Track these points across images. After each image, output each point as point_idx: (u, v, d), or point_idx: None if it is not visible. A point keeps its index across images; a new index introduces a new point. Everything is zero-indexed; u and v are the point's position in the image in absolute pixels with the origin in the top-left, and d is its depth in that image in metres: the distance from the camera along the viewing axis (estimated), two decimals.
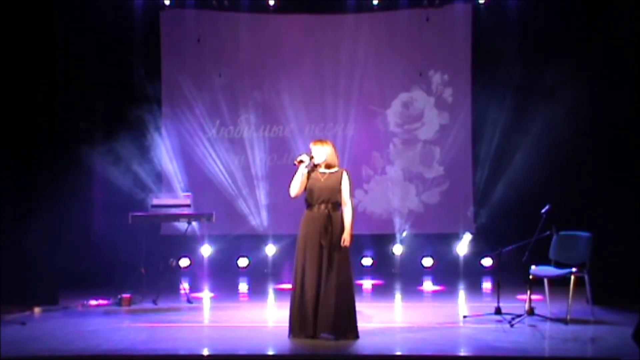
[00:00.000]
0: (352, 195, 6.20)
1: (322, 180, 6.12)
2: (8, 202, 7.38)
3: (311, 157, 6.15)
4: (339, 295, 5.95)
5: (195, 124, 10.05)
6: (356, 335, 6.00)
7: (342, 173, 6.17)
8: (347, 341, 5.90)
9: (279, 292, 8.71)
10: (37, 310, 7.40)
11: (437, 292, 8.88)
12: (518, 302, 7.07)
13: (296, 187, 6.11)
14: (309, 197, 6.12)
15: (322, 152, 6.16)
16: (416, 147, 10.18)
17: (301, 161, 6.11)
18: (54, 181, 7.76)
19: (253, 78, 10.13)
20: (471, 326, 6.64)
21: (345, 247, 6.03)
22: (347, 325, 6.00)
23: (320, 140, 6.29)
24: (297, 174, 6.11)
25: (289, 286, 7.88)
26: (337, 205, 6.11)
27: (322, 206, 6.06)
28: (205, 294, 8.58)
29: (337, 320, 5.93)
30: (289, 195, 6.16)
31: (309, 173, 6.18)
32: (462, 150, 10.09)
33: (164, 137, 9.96)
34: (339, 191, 6.12)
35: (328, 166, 6.19)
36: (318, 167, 6.18)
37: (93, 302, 7.79)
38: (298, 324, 6.02)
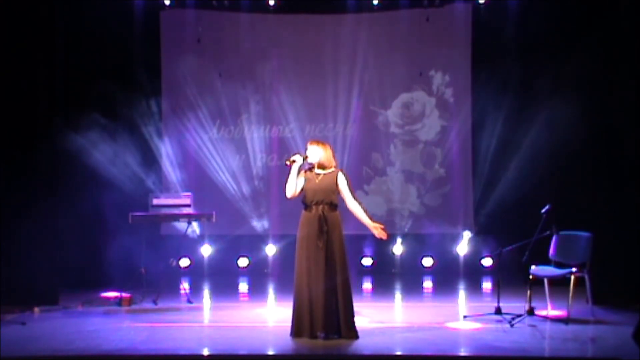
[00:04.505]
0: (353, 191, 6.20)
1: (317, 181, 6.11)
2: (8, 202, 7.37)
3: (305, 157, 6.15)
4: (339, 295, 5.96)
5: (196, 123, 10.04)
6: (356, 335, 6.00)
7: (337, 174, 6.16)
8: (347, 341, 5.91)
9: (280, 294, 8.72)
10: (37, 310, 7.39)
11: (436, 289, 8.90)
12: (518, 302, 7.05)
13: (290, 187, 6.09)
14: (305, 198, 6.12)
15: (317, 152, 6.15)
16: (417, 148, 10.17)
17: (293, 161, 6.09)
18: (53, 181, 7.75)
19: (253, 78, 10.12)
20: (471, 326, 6.64)
21: (342, 247, 6.03)
22: (347, 325, 6.00)
23: (317, 140, 6.30)
24: (290, 174, 6.11)
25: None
26: (333, 205, 6.09)
27: (319, 207, 6.04)
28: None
29: (338, 320, 5.95)
30: (285, 196, 6.16)
31: (305, 173, 6.17)
32: (462, 151, 10.07)
33: (164, 137, 9.95)
34: (334, 192, 6.10)
35: (323, 167, 6.17)
36: (313, 167, 6.17)
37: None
38: (301, 324, 6.02)
